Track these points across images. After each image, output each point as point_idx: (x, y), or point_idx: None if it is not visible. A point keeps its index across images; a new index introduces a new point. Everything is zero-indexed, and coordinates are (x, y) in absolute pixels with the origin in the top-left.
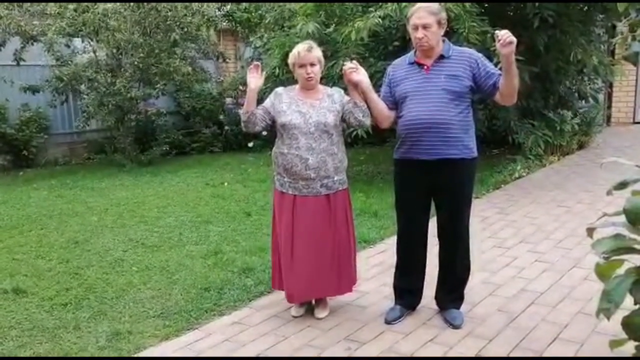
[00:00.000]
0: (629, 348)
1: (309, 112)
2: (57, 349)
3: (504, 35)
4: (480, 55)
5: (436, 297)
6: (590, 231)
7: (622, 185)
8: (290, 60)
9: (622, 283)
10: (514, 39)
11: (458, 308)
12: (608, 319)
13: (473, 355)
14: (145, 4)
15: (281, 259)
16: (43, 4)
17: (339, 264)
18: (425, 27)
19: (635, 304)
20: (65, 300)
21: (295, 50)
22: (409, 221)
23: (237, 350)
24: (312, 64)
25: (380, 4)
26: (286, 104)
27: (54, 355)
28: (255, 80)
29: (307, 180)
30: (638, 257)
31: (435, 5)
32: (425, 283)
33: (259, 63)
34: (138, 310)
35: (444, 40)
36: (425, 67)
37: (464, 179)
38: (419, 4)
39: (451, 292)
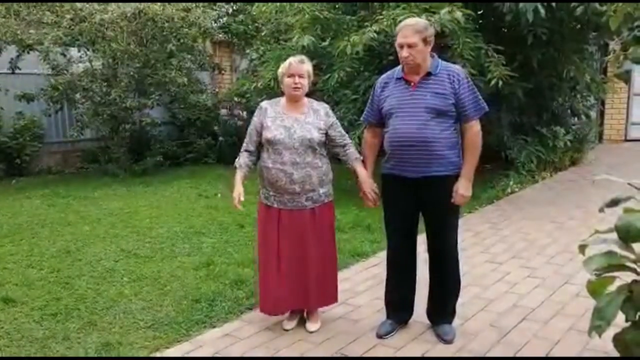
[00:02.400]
0: None
1: (293, 126)
2: None
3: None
4: (465, 78)
5: (428, 312)
6: (582, 248)
7: (614, 203)
8: (280, 70)
9: (614, 300)
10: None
11: (450, 323)
12: (600, 336)
13: None
14: (142, 14)
15: (264, 271)
16: (40, 13)
17: (324, 277)
18: (410, 45)
19: (627, 321)
20: (55, 310)
21: (287, 61)
22: (397, 236)
23: None
24: (300, 76)
25: (375, 18)
26: (271, 119)
27: None
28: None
29: (292, 195)
30: (629, 274)
31: (422, 23)
32: (417, 297)
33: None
34: (128, 321)
35: (432, 56)
36: (412, 83)
37: (450, 195)
38: (405, 22)
39: (442, 307)
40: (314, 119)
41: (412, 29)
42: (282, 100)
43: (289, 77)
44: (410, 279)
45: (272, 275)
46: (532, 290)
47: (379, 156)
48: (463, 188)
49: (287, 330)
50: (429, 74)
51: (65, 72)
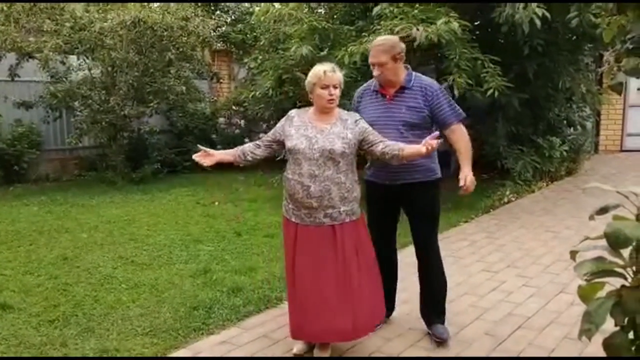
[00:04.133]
0: None
1: (315, 137)
2: None
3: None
4: (438, 90)
5: (421, 313)
6: (573, 254)
7: (604, 210)
8: (311, 80)
9: (603, 305)
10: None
11: (443, 323)
12: (589, 339)
13: None
14: (141, 23)
15: (289, 290)
16: (40, 21)
17: (352, 305)
18: (380, 64)
19: (616, 325)
20: (52, 316)
21: (319, 70)
22: (378, 237)
23: None
24: (335, 86)
25: (373, 29)
26: (295, 128)
27: None
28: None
29: (309, 209)
30: (618, 280)
31: (390, 42)
32: (414, 304)
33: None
34: (126, 328)
35: (407, 68)
36: (387, 96)
37: (428, 200)
38: (374, 42)
39: (433, 306)
40: (340, 129)
41: (380, 49)
42: (311, 110)
43: (323, 88)
44: (390, 276)
45: (292, 296)
46: (528, 299)
47: (366, 162)
48: (464, 175)
49: (296, 354)
50: (403, 87)
51: (64, 79)
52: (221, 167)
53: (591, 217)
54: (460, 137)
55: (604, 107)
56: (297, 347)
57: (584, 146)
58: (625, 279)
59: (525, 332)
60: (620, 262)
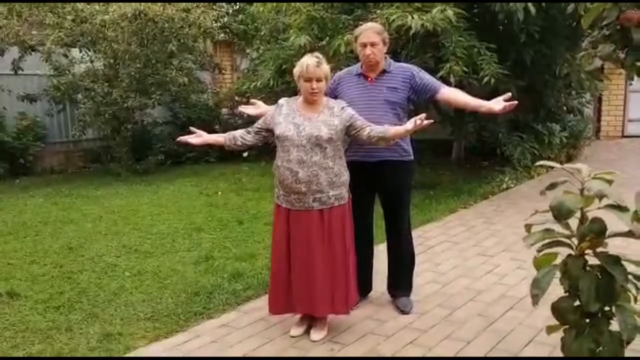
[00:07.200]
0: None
1: (303, 124)
2: (50, 350)
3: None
4: (416, 68)
5: (388, 287)
6: (528, 227)
7: (552, 186)
8: (296, 71)
9: (550, 272)
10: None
11: (408, 296)
12: (537, 303)
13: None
14: (143, 15)
15: (273, 270)
16: (42, 14)
17: (333, 283)
18: (372, 45)
19: (565, 292)
20: (58, 303)
21: (303, 63)
22: (356, 218)
23: (224, 351)
24: (318, 80)
25: (370, 18)
26: (284, 116)
27: (46, 356)
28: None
29: (298, 194)
30: (569, 250)
31: (380, 26)
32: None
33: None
34: (129, 313)
35: (386, 58)
36: (369, 79)
37: (402, 179)
38: (366, 25)
39: (401, 280)
40: (327, 117)
41: (373, 31)
42: (300, 98)
43: (306, 81)
44: (367, 256)
45: (280, 276)
46: (521, 281)
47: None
48: (491, 103)
49: (293, 336)
50: (384, 71)
51: (67, 72)
52: (225, 158)
53: (542, 193)
54: (454, 91)
55: (605, 93)
56: (295, 329)
57: (584, 132)
58: (572, 248)
59: (517, 313)
60: (567, 232)
